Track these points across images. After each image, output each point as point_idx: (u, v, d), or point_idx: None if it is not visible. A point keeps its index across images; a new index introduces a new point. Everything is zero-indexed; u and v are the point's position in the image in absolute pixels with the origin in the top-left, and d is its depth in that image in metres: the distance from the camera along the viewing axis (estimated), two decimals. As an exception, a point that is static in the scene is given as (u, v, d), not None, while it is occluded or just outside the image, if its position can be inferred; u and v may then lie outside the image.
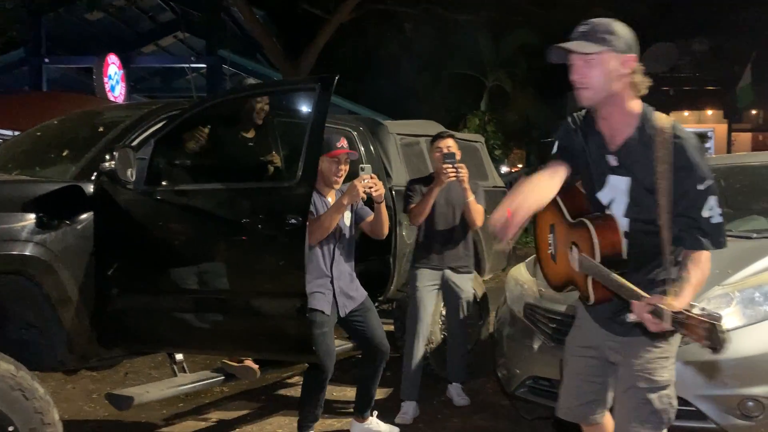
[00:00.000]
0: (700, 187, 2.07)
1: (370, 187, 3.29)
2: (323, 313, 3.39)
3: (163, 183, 3.23)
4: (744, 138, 21.13)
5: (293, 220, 2.81)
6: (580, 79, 2.13)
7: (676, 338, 2.26)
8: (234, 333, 3.04)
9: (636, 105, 2.17)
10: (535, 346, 3.50)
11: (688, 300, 2.02)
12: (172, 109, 3.48)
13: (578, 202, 2.36)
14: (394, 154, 4.88)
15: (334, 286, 3.46)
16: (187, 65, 23.59)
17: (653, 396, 2.21)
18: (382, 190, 3.38)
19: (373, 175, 3.33)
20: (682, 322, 1.87)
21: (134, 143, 3.26)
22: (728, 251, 3.55)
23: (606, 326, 2.33)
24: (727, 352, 2.96)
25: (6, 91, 16.22)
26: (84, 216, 3.03)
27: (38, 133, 3.97)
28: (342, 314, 3.53)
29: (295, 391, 4.77)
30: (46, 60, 18.19)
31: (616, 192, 2.22)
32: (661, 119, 2.16)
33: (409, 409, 4.14)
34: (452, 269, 4.33)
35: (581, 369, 2.43)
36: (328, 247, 3.46)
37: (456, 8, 15.94)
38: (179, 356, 3.55)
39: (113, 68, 17.36)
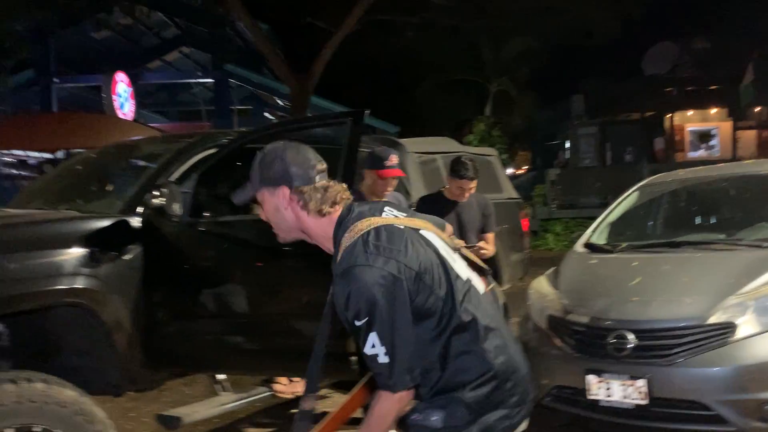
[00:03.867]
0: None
1: None
2: None
3: (205, 214, 3.41)
4: (749, 135, 21.21)
5: (332, 247, 2.98)
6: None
7: None
8: (279, 354, 3.21)
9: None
10: (560, 356, 3.66)
11: None
12: (208, 142, 3.67)
13: None
14: (413, 172, 5.05)
15: None
16: (194, 80, 23.86)
17: None
18: None
19: None
20: None
21: (173, 177, 3.44)
22: (742, 260, 3.77)
23: None
24: (746, 359, 3.20)
25: (17, 112, 16.48)
26: (132, 248, 3.21)
27: (78, 167, 4.16)
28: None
29: (326, 404, 4.94)
30: (56, 80, 18.46)
31: None
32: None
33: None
34: None
35: None
36: None
37: (457, 16, 16.12)
38: (221, 376, 3.73)
39: (122, 86, 17.61)
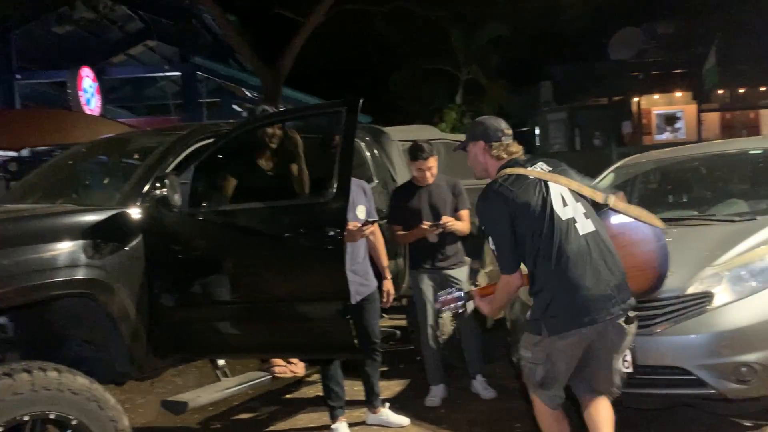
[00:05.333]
0: None
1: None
2: None
3: (204, 204, 3.50)
4: (712, 117, 21.80)
5: (332, 232, 3.10)
6: None
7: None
8: (282, 337, 3.32)
9: None
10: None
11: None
12: (200, 134, 3.75)
13: None
14: (397, 160, 5.18)
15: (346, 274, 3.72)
16: (162, 74, 23.56)
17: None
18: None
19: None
20: None
21: (169, 169, 3.52)
22: (716, 234, 3.98)
23: None
24: (722, 325, 3.40)
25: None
26: (134, 238, 3.29)
27: (70, 162, 4.20)
28: (353, 301, 3.74)
29: (316, 389, 5.07)
30: (18, 76, 18.10)
31: None
32: None
33: (438, 393, 4.50)
34: (446, 268, 4.59)
35: None
36: None
37: (427, 5, 16.22)
38: (221, 362, 3.83)
39: (87, 81, 17.35)
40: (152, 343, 3.32)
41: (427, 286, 4.54)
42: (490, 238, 2.80)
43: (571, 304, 2.70)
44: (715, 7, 18.72)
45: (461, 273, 4.65)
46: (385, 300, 4.26)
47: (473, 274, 3.20)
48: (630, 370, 3.52)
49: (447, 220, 4.44)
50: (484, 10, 17.10)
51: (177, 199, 3.21)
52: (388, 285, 4.27)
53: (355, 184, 3.95)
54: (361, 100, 3.19)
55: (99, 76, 18.05)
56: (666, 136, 21.37)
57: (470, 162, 3.09)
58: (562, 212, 2.78)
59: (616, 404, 3.38)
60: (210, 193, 3.59)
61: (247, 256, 3.32)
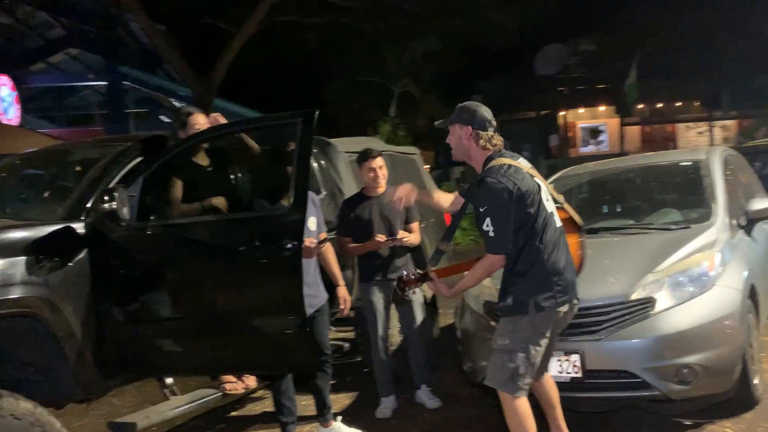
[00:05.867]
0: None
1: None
2: None
3: (153, 218, 3.38)
4: (634, 131, 22.88)
5: (289, 245, 3.06)
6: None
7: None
8: (238, 353, 3.24)
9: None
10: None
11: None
12: (145, 145, 3.63)
13: None
14: (344, 171, 5.17)
15: None
16: (85, 83, 22.76)
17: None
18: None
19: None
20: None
21: (115, 182, 3.39)
22: (655, 242, 4.16)
23: None
24: (664, 329, 3.55)
25: None
26: (79, 254, 3.15)
27: (2, 174, 3.98)
28: (306, 314, 3.75)
29: (263, 405, 4.98)
30: (-73, 84, 17.09)
31: None
32: None
33: (388, 404, 4.48)
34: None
35: None
36: None
37: (361, 18, 16.32)
38: (169, 380, 3.70)
39: (5, 90, 16.59)
40: (99, 362, 3.18)
41: (378, 298, 4.54)
42: (487, 220, 2.93)
43: (557, 283, 3.01)
44: (635, 25, 19.68)
45: None
46: (342, 307, 4.22)
47: (437, 256, 3.21)
48: (579, 374, 3.66)
49: (403, 236, 4.47)
50: (416, 24, 17.33)
51: (126, 212, 3.11)
52: (343, 292, 4.24)
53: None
54: (317, 112, 3.18)
55: (18, 84, 17.26)
56: (590, 149, 22.23)
57: (453, 142, 3.18)
58: (548, 205, 3.11)
59: (567, 409, 3.49)
60: (160, 205, 3.47)
61: (200, 271, 3.23)
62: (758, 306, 4.19)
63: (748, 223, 4.57)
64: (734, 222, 4.38)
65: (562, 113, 22.01)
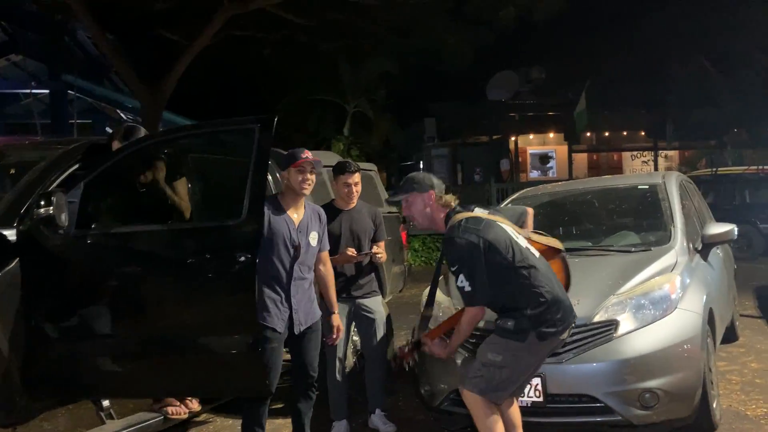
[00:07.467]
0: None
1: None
2: (275, 330, 3.38)
3: (94, 226, 3.13)
4: (581, 158, 23.38)
5: (242, 257, 2.86)
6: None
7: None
8: (182, 375, 3.01)
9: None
10: (458, 361, 3.75)
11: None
12: (87, 150, 3.39)
13: None
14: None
15: (292, 302, 3.46)
16: (27, 90, 21.98)
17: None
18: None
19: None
20: None
21: (53, 186, 3.14)
22: (616, 264, 4.11)
23: None
24: (627, 353, 3.48)
25: None
26: (10, 263, 2.89)
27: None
28: (296, 331, 3.53)
29: (207, 429, 4.70)
30: None
31: None
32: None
33: (341, 429, 4.27)
34: (362, 296, 4.44)
35: None
36: (289, 263, 3.45)
37: (316, 35, 16.24)
38: (106, 403, 3.42)
39: (-61, 96, 15.83)
40: (27, 382, 2.90)
41: (340, 315, 4.34)
42: (461, 276, 3.01)
43: (557, 311, 3.04)
44: (586, 56, 20.19)
45: (375, 302, 4.50)
46: (334, 336, 3.99)
47: (425, 323, 3.30)
48: (540, 399, 3.55)
49: (377, 251, 4.32)
50: (372, 45, 17.34)
51: (64, 219, 2.87)
52: (337, 320, 3.99)
53: (311, 208, 3.71)
54: (276, 118, 3.01)
55: (-46, 91, 16.51)
56: (538, 174, 22.59)
57: (414, 212, 3.27)
58: (521, 241, 3.16)
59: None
60: (101, 213, 3.23)
61: (144, 284, 3.01)
62: (715, 330, 4.19)
63: (704, 247, 4.60)
64: (691, 246, 4.39)
65: (513, 138, 22.32)
